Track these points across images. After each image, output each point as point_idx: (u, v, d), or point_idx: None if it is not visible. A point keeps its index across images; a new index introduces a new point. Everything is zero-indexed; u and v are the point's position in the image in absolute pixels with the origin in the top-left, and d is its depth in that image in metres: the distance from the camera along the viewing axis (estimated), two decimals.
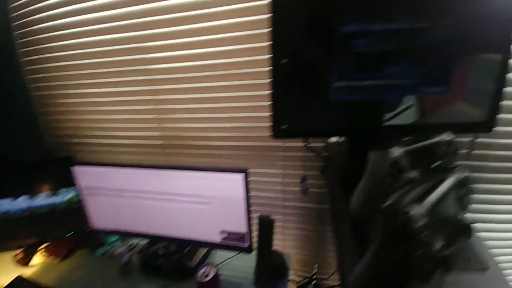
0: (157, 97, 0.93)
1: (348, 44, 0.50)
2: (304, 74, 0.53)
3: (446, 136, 0.40)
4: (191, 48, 0.82)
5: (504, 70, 0.52)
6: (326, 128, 0.58)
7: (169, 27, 0.82)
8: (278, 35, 0.51)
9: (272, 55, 0.52)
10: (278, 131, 0.59)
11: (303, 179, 0.87)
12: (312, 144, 0.79)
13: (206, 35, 0.79)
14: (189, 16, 0.79)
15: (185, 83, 0.88)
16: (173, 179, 0.84)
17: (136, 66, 0.91)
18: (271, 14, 0.49)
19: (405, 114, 0.55)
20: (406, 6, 0.48)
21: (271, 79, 0.54)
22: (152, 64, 0.89)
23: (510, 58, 0.51)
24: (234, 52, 0.79)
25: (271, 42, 0.51)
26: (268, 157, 0.91)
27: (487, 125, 0.55)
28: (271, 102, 0.57)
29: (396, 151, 0.36)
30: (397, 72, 0.52)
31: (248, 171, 0.77)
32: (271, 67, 0.53)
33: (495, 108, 0.54)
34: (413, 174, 0.35)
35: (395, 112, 0.55)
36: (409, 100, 0.54)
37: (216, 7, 0.76)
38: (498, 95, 0.53)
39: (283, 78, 0.54)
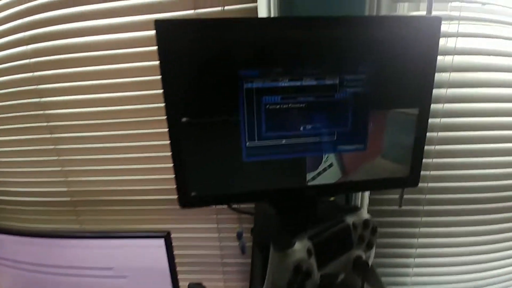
0: (59, 146, 0.77)
1: (255, 100, 0.44)
2: (210, 133, 0.45)
3: (361, 216, 0.34)
4: (94, 93, 0.71)
5: (422, 123, 0.50)
6: (244, 192, 0.49)
7: (67, 68, 0.70)
8: (171, 89, 0.42)
9: (168, 113, 0.43)
10: (186, 200, 0.48)
11: (239, 235, 0.77)
12: None
13: (109, 79, 0.69)
14: (90, 57, 0.68)
15: (88, 131, 0.74)
16: (79, 250, 0.68)
17: (32, 111, 0.75)
18: (160, 66, 0.41)
19: (328, 172, 0.50)
20: (314, 64, 0.43)
21: (171, 141, 0.45)
22: (50, 109, 0.74)
23: (427, 111, 0.50)
24: (143, 98, 0.70)
25: (164, 97, 0.42)
26: (199, 210, 0.80)
27: (411, 180, 0.52)
28: (174, 167, 0.47)
29: (301, 248, 0.29)
30: (312, 130, 0.46)
31: (170, 233, 0.65)
32: (169, 127, 0.44)
33: (417, 163, 0.51)
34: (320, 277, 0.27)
35: (318, 171, 0.49)
36: (330, 159, 0.49)
37: (119, 48, 0.66)
38: (418, 149, 0.51)
39: (186, 139, 0.45)
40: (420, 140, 0.51)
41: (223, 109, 0.44)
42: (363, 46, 0.44)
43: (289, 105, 0.44)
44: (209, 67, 0.41)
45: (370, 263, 0.35)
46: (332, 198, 0.50)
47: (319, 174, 0.50)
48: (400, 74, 0.46)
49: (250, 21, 0.42)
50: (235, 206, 0.63)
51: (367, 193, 0.65)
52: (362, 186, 0.51)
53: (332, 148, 0.48)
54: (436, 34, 0.46)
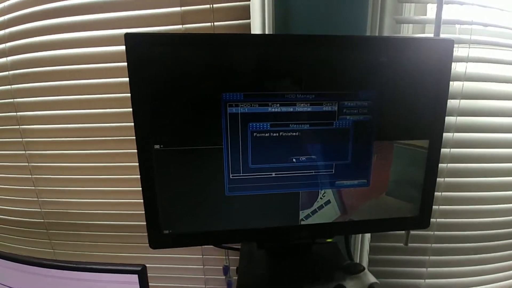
0: (32, 163, 0.71)
1: (241, 127, 0.38)
2: (188, 163, 0.39)
3: (364, 280, 0.27)
4: (73, 108, 0.65)
5: (433, 157, 0.44)
6: (225, 231, 0.42)
7: (46, 81, 0.65)
8: (142, 112, 0.37)
9: (138, 138, 0.37)
10: (157, 239, 0.42)
11: (225, 270, 0.69)
12: None
13: (88, 94, 0.64)
14: (71, 70, 0.63)
15: (64, 149, 0.68)
16: (38, 278, 0.60)
17: (7, 125, 0.70)
18: (130, 86, 0.35)
19: (325, 210, 0.43)
20: (309, 88, 0.38)
21: (141, 170, 0.39)
22: (26, 124, 0.69)
23: (439, 143, 0.44)
24: (125, 115, 0.64)
25: (134, 120, 0.37)
26: None
27: (420, 220, 0.45)
28: (144, 200, 0.40)
29: None
30: (306, 162, 0.40)
31: (145, 268, 0.57)
32: (139, 154, 0.38)
33: (427, 201, 0.45)
34: None
35: (313, 208, 0.43)
36: (327, 195, 0.42)
37: (102, 62, 0.61)
38: (429, 186, 0.44)
39: (158, 169, 0.39)
40: (430, 176, 0.44)
41: (202, 137, 0.38)
42: (366, 69, 0.39)
43: (280, 133, 0.39)
44: (187, 88, 0.36)
45: None
46: (329, 240, 0.43)
47: (314, 212, 0.43)
48: (408, 101, 0.41)
49: (235, 38, 0.37)
50: None
51: None
52: (364, 227, 0.44)
53: (329, 183, 0.42)
54: (448, 57, 0.41)
